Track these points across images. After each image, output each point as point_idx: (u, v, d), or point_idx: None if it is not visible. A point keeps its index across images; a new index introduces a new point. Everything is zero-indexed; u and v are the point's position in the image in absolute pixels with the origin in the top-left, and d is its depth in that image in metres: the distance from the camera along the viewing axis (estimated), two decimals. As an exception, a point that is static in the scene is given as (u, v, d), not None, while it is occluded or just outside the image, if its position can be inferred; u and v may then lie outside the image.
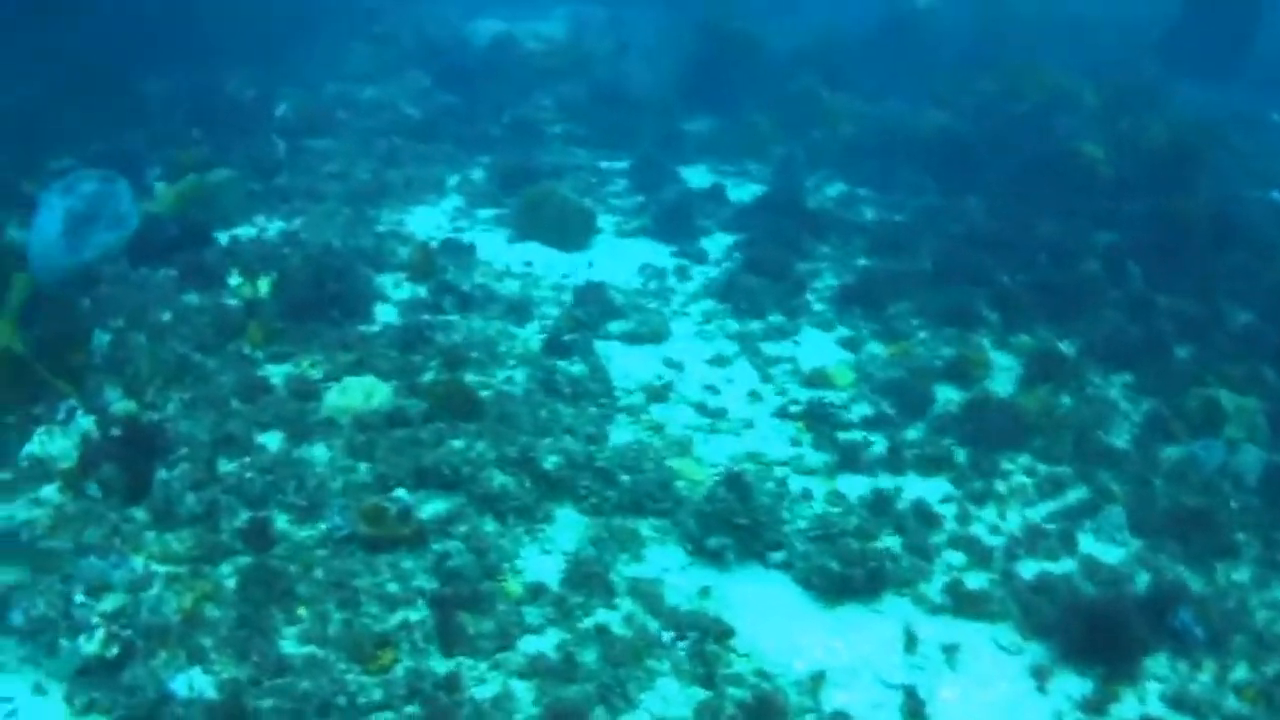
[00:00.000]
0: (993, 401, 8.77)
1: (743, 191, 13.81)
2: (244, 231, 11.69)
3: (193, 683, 6.09)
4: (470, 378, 8.81)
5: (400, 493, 7.42)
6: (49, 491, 7.18)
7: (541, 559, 7.03)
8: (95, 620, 6.25)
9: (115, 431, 7.65)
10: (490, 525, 7.32)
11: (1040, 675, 6.52)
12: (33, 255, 9.47)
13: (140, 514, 7.23)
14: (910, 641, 6.62)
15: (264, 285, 9.78)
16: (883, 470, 8.17)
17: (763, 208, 12.69)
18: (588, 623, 6.52)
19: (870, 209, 13.57)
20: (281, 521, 7.28)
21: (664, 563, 7.07)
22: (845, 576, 6.86)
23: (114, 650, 6.17)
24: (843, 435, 8.47)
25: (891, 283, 10.70)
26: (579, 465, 7.71)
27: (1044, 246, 11.74)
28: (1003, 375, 9.56)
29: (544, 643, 6.37)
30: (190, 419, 8.13)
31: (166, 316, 9.20)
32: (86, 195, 9.71)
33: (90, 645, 6.16)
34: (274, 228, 11.93)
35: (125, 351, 8.68)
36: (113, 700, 6.00)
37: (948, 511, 7.79)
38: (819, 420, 8.58)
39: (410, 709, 6.00)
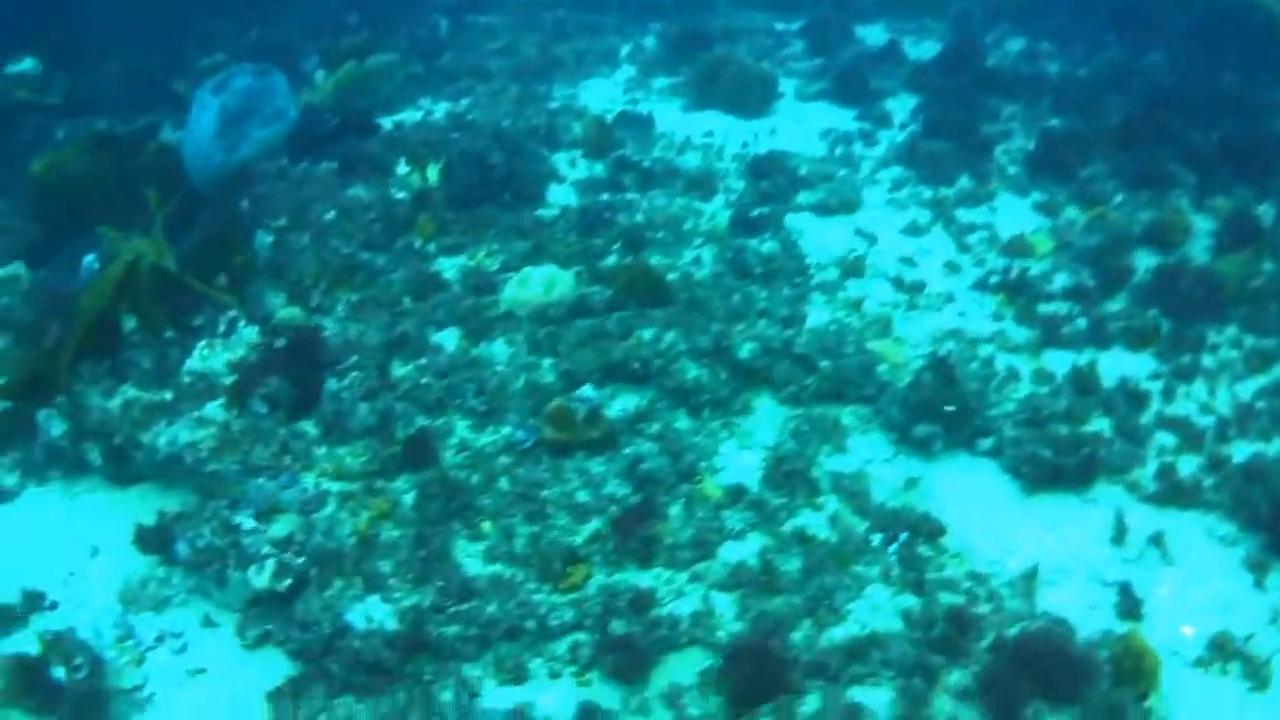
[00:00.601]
0: (1192, 269, 8.77)
1: (921, 49, 13.80)
2: (408, 117, 11.72)
3: (371, 613, 6.01)
4: (655, 260, 8.63)
5: (587, 390, 7.27)
6: (213, 410, 7.24)
7: (740, 456, 6.98)
8: (265, 549, 6.25)
9: (280, 341, 7.66)
10: (684, 421, 7.19)
11: (1258, 569, 6.37)
12: (188, 157, 9.71)
13: (310, 428, 7.26)
14: (1123, 534, 6.55)
15: (432, 173, 9.58)
16: (1087, 345, 8.16)
17: (941, 66, 12.83)
18: (791, 526, 6.46)
19: (1052, 64, 13.47)
20: (461, 428, 7.14)
21: (868, 453, 7.07)
22: (1056, 465, 6.85)
23: (285, 582, 6.16)
24: (1045, 308, 8.50)
25: (1082, 143, 10.79)
26: (775, 352, 7.57)
27: (1230, 103, 11.83)
28: (1201, 240, 9.50)
29: (745, 550, 6.32)
30: (359, 322, 8.12)
31: (330, 214, 9.05)
32: (240, 91, 9.86)
33: (260, 578, 6.18)
34: (439, 111, 11.93)
35: (287, 254, 8.54)
36: (287, 633, 5.95)
37: (1154, 389, 7.71)
38: (1020, 292, 8.65)
39: (607, 627, 5.89)
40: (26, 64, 12.38)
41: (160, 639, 6.20)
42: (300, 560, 6.14)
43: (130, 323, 7.72)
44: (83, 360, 7.50)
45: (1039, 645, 5.58)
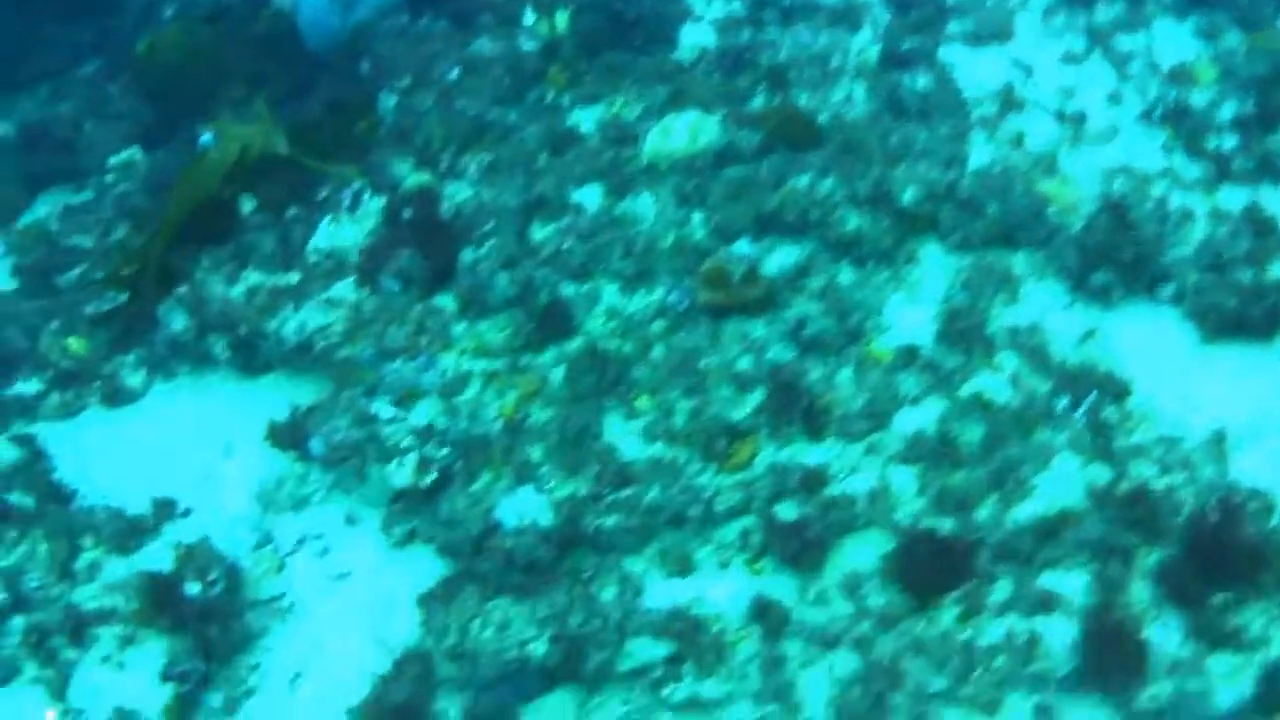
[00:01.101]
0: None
1: None
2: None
3: (523, 506, 5.82)
4: (804, 100, 8.16)
5: (742, 245, 6.87)
6: (342, 290, 7.11)
7: (909, 311, 6.64)
8: (405, 441, 6.08)
9: (410, 211, 7.39)
10: (847, 275, 6.78)
11: None
12: (303, 23, 9.56)
13: (447, 303, 7.03)
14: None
15: (561, 20, 9.04)
16: (1261, 181, 7.46)
17: None
18: (969, 389, 6.09)
19: None
20: (609, 294, 6.85)
21: (1043, 303, 6.73)
22: (1240, 313, 6.44)
23: (429, 478, 6.02)
24: (1214, 141, 7.81)
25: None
26: (939, 196, 7.07)
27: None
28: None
29: (922, 417, 6.00)
30: (493, 185, 7.77)
31: (455, 72, 8.59)
32: None
33: (402, 475, 6.05)
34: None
35: (412, 117, 8.29)
36: (434, 531, 5.87)
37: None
38: (1186, 123, 8.04)
39: (776, 510, 5.59)
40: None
41: (300, 542, 6.15)
42: (444, 452, 5.94)
43: (249, 204, 7.37)
44: (185, 249, 7.39)
45: (1230, 524, 5.27)
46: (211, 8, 10.46)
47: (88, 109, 10.45)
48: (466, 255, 7.13)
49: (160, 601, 5.88)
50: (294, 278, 7.26)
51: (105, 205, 9.32)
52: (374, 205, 7.64)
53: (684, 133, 7.72)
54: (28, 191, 10.21)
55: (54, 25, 11.26)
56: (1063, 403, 6.09)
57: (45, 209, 9.91)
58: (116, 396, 7.52)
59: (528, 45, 9.11)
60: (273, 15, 9.94)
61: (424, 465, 5.99)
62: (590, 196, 7.54)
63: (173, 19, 10.88)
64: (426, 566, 5.89)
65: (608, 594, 5.55)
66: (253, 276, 7.32)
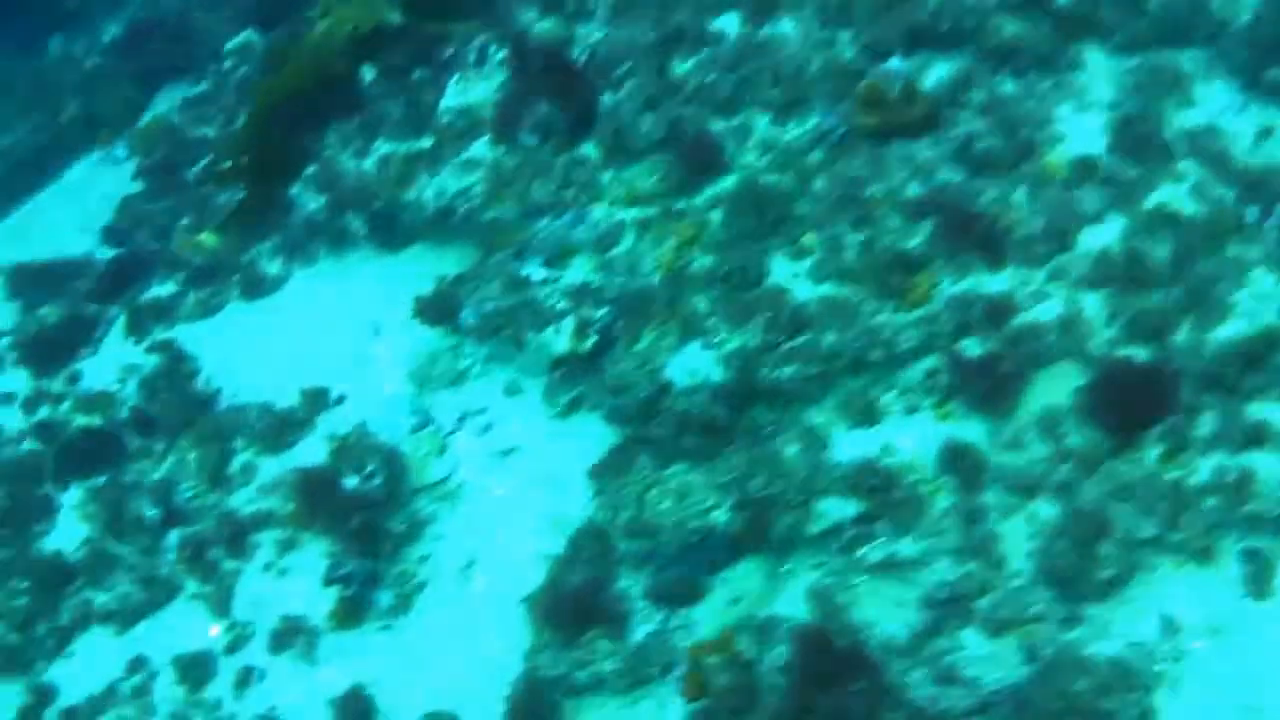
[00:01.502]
0: None
1: None
2: None
3: (692, 363, 5.56)
4: None
5: (894, 62, 6.44)
6: (479, 149, 6.96)
7: (1079, 119, 6.18)
8: (562, 304, 5.97)
9: (541, 60, 7.15)
10: (1010, 86, 6.31)
11: None
12: None
13: (591, 151, 6.80)
14: None
15: None
16: None
17: None
18: (1152, 201, 5.63)
19: None
20: (761, 125, 6.53)
21: (1215, 103, 6.11)
22: None
23: (589, 341, 5.87)
24: None
25: None
26: None
27: None
28: None
29: (1105, 235, 5.58)
30: (626, 22, 7.41)
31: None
32: None
33: (561, 340, 5.91)
34: None
35: None
36: (600, 397, 5.75)
37: None
38: None
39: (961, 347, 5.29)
40: None
41: (461, 420, 6.05)
42: (602, 311, 5.76)
43: (370, 73, 7.22)
44: (309, 127, 7.13)
45: None
46: None
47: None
48: (606, 99, 6.89)
49: (318, 499, 5.83)
50: (427, 142, 7.17)
51: (226, 92, 9.36)
52: (502, 58, 7.41)
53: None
54: (145, 89, 10.26)
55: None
56: (1252, 212, 5.59)
57: (165, 104, 9.96)
58: (256, 287, 7.60)
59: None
60: None
61: (583, 328, 5.87)
62: (729, 24, 7.16)
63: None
64: (595, 435, 5.80)
65: (790, 451, 5.33)
66: (384, 146, 7.28)
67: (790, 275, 5.82)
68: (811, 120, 6.46)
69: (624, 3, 7.55)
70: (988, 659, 4.76)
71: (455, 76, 7.44)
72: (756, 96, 6.68)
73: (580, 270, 6.21)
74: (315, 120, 7.53)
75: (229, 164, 7.89)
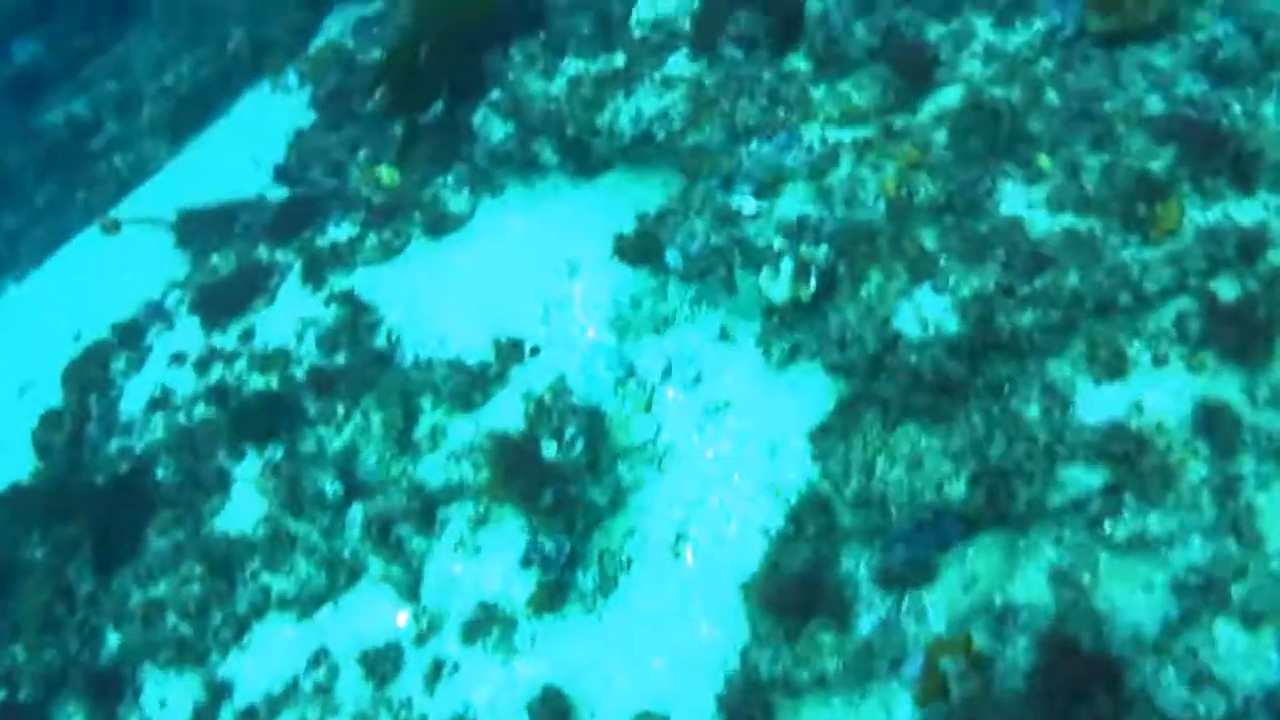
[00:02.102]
0: None
1: None
2: None
3: (924, 311, 5.38)
4: None
5: None
6: (677, 64, 6.87)
7: None
8: (777, 242, 5.82)
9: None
10: None
11: None
12: None
13: (800, 64, 6.64)
14: None
15: None
16: None
17: None
18: None
19: None
20: (982, 28, 6.32)
21: None
22: None
23: (809, 288, 5.65)
24: None
25: None
26: None
27: None
28: None
29: None
30: None
31: None
32: None
33: (778, 288, 5.75)
34: None
35: None
36: (820, 346, 5.60)
37: None
38: None
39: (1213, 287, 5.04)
40: None
41: (667, 371, 5.97)
42: (822, 250, 5.58)
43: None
44: (489, 47, 7.30)
45: None
46: None
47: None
48: (813, 4, 6.67)
49: (514, 468, 5.81)
50: (619, 59, 7.08)
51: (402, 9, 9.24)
52: (696, -39, 7.29)
53: None
54: (314, 12, 10.33)
55: None
56: None
57: (337, 27, 9.99)
58: (439, 224, 7.62)
59: None
60: None
61: (802, 270, 5.70)
62: None
63: None
64: (815, 389, 5.71)
65: (1031, 411, 5.14)
66: (572, 65, 7.18)
67: (1025, 204, 5.60)
68: (1037, 23, 6.22)
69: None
70: (1242, 656, 4.49)
71: (646, -15, 7.31)
72: (977, -1, 6.48)
73: (794, 200, 6.07)
74: (492, 38, 7.46)
75: (381, 90, 7.91)
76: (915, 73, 6.30)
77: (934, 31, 6.47)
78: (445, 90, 7.86)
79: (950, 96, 6.15)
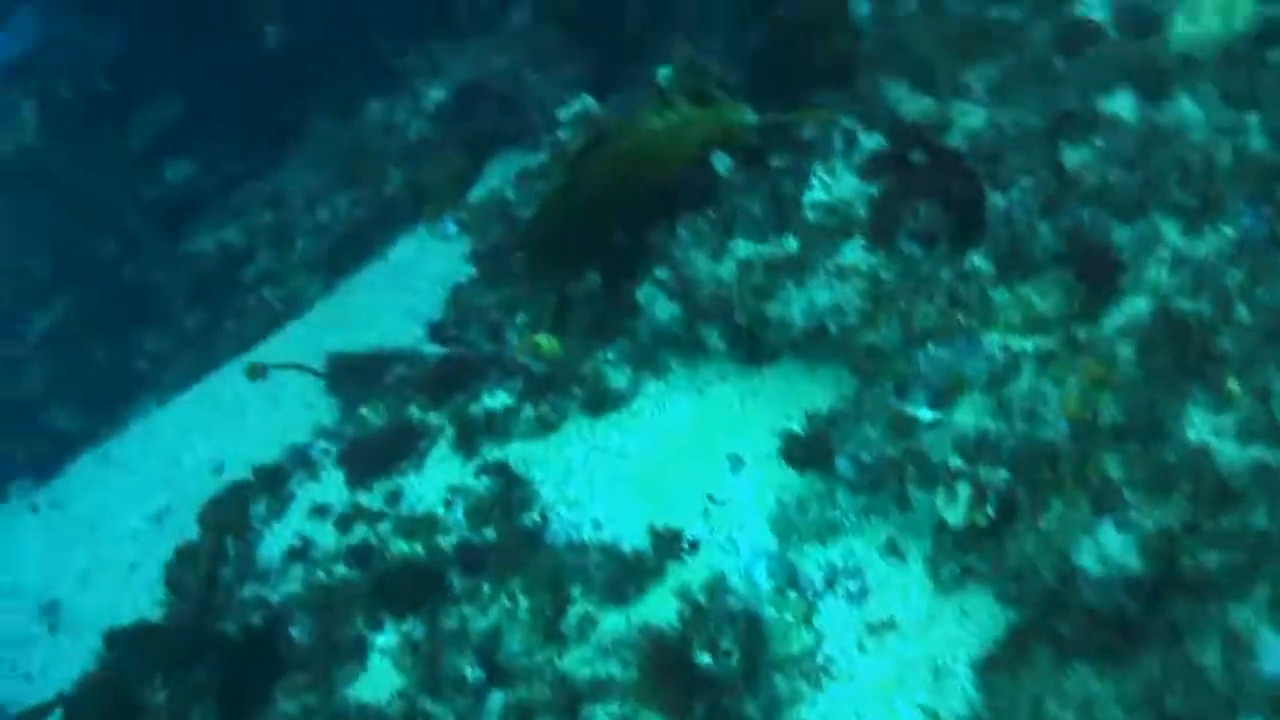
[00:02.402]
0: None
1: None
2: None
3: (1104, 546, 5.43)
4: None
5: None
6: (852, 253, 6.94)
7: None
8: (954, 461, 5.92)
9: (918, 148, 7.10)
10: None
11: None
12: None
13: (981, 263, 6.71)
14: None
15: None
16: None
17: None
18: None
19: None
20: (1170, 231, 6.37)
21: None
22: None
23: (987, 514, 5.74)
24: None
25: None
26: None
27: None
28: None
29: None
30: (1009, 101, 7.42)
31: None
32: None
33: (954, 510, 5.84)
34: None
35: (895, 24, 8.08)
36: (993, 573, 5.74)
37: None
38: None
39: None
40: None
41: (830, 581, 6.11)
42: (1001, 474, 5.73)
43: (723, 162, 7.24)
44: (658, 221, 7.52)
45: None
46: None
47: (525, 58, 10.72)
48: (996, 200, 6.80)
49: (665, 672, 5.88)
50: (792, 244, 7.19)
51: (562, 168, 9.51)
52: (871, 144, 7.37)
53: (1213, 11, 7.09)
54: (474, 160, 10.64)
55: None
56: None
57: (498, 177, 10.28)
58: (599, 401, 7.76)
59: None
60: None
61: (980, 495, 5.77)
62: (1123, 104, 7.05)
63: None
64: (985, 617, 5.76)
65: (1211, 659, 5.11)
66: (743, 247, 7.32)
67: (1212, 431, 5.59)
68: (1228, 228, 6.22)
69: (1004, 78, 7.40)
70: None
71: (820, 165, 7.42)
72: (1162, 197, 6.49)
73: (972, 411, 6.13)
74: (658, 210, 7.62)
75: (523, 255, 8.11)
76: (1099, 279, 6.36)
77: (1119, 233, 6.51)
78: (601, 260, 8.03)
79: (1136, 306, 6.20)
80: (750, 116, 7.71)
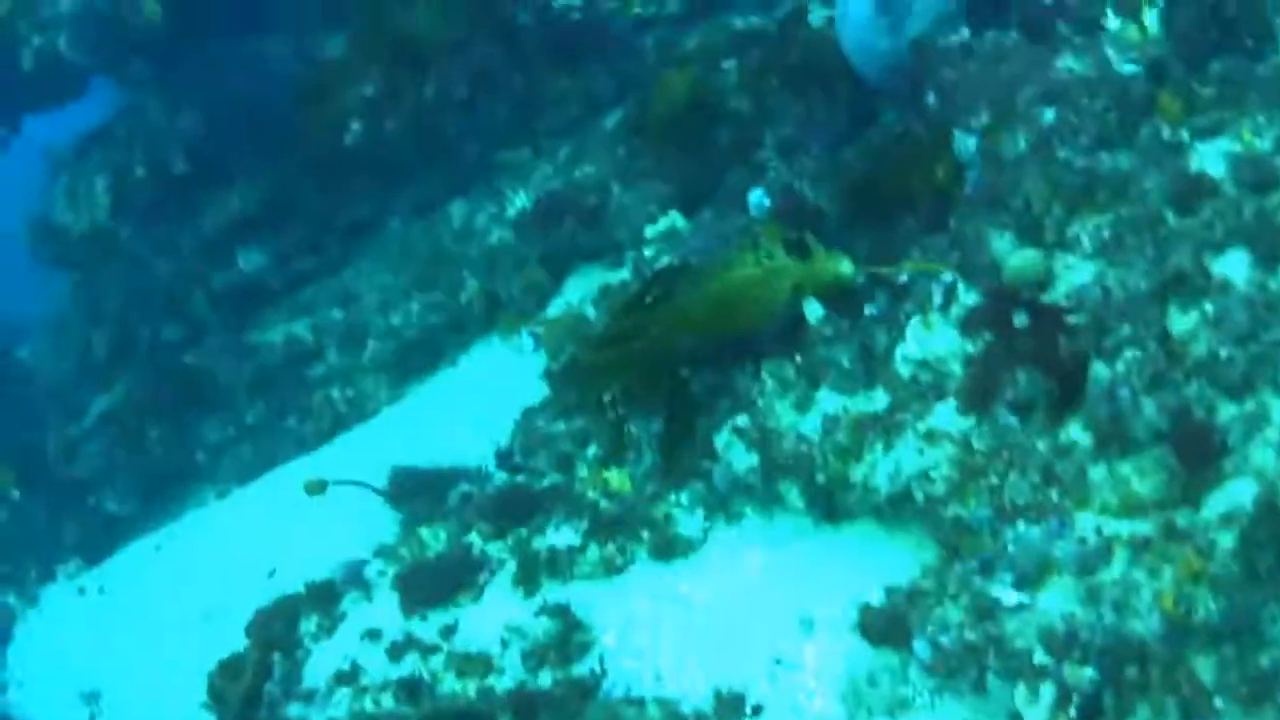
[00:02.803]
0: None
1: None
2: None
3: None
4: None
5: None
6: (944, 416, 6.94)
7: None
8: (1038, 653, 5.84)
9: (1019, 308, 7.07)
10: None
11: None
12: (847, 43, 9.55)
13: (1079, 435, 6.62)
14: None
15: (1151, 19, 8.47)
16: None
17: None
18: None
19: None
20: (1277, 411, 6.22)
21: None
22: None
23: (1069, 716, 5.68)
24: None
25: None
26: None
27: None
28: None
29: None
30: (1118, 257, 7.25)
31: (1048, 113, 8.15)
32: None
33: (1036, 712, 5.77)
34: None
35: (1002, 168, 8.01)
36: None
37: None
38: None
39: None
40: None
41: None
42: (1088, 674, 5.70)
43: (815, 311, 7.29)
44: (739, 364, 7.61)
45: None
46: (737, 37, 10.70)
47: (612, 169, 10.82)
48: (1099, 370, 6.71)
49: None
50: (881, 401, 7.25)
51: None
52: (971, 298, 7.40)
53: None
54: (554, 273, 10.74)
55: (561, 75, 11.81)
56: None
57: (578, 291, 10.35)
58: (669, 547, 7.77)
59: (1124, 62, 8.44)
60: (810, 39, 10.09)
61: (1064, 697, 5.71)
62: (1236, 267, 6.88)
63: (693, 54, 11.12)
64: None
65: None
66: (829, 400, 7.36)
67: (1315, 638, 5.57)
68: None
69: (1113, 232, 7.38)
70: None
71: (915, 318, 7.47)
72: (1273, 374, 6.38)
73: (1060, 597, 6.08)
74: (742, 352, 7.67)
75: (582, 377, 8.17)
76: (1201, 460, 6.28)
77: (1225, 410, 6.44)
78: (675, 397, 8.07)
79: (1240, 494, 6.09)
80: (848, 267, 7.79)
